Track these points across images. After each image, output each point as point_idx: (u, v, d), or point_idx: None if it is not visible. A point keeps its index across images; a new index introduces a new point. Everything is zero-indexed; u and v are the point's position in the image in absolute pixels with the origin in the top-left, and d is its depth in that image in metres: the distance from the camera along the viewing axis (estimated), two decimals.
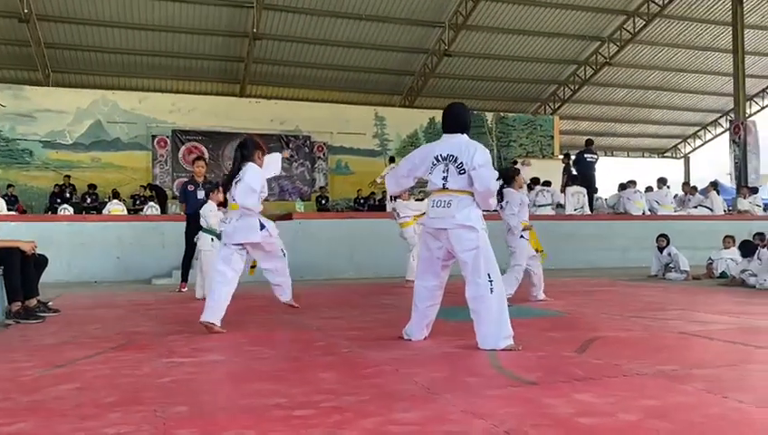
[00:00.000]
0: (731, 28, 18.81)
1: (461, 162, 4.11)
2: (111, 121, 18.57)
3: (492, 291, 4.05)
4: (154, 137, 18.84)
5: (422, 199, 10.60)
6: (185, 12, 17.82)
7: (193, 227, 8.46)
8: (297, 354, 4.09)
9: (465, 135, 4.29)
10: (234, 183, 5.04)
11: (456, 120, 4.33)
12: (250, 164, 5.07)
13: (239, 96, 20.85)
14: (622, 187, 15.18)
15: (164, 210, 15.19)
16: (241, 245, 5.04)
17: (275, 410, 2.73)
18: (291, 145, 19.67)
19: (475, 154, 4.09)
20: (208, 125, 19.16)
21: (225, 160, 19.26)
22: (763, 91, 26.89)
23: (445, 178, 4.16)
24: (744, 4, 18.50)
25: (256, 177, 5.00)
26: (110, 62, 19.28)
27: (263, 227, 5.01)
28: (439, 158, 4.21)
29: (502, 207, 6.88)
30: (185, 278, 8.72)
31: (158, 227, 11.30)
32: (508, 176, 7.07)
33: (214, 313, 4.88)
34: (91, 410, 2.79)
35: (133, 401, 2.93)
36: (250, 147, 5.19)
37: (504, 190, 6.88)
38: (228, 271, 4.99)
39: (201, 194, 8.42)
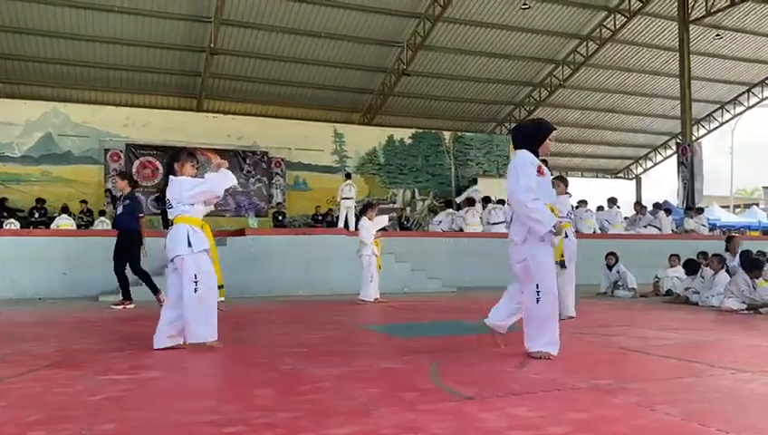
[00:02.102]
0: (678, 54, 19.51)
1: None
2: (63, 134, 18.17)
3: (538, 301, 4.16)
4: (107, 151, 18.49)
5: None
6: (140, 25, 17.63)
7: (119, 241, 8.41)
8: (236, 371, 4.03)
9: (518, 150, 4.41)
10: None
11: (514, 139, 4.55)
12: (172, 179, 4.84)
13: (196, 111, 20.67)
14: None
15: None
16: (173, 261, 4.75)
17: (205, 427, 2.69)
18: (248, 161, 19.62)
19: (509, 165, 4.34)
20: (164, 139, 18.88)
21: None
22: (710, 115, 27.89)
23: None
24: (691, 32, 19.22)
25: (172, 190, 4.77)
26: (62, 73, 18.91)
27: (190, 243, 4.65)
28: None
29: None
30: (126, 296, 8.48)
31: (108, 242, 11.02)
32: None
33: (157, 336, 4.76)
34: (13, 428, 2.69)
35: (60, 419, 2.84)
36: (170, 159, 4.95)
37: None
38: (171, 292, 4.78)
39: (120, 209, 8.55)
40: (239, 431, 2.62)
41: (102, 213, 15.50)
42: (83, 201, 16.89)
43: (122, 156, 18.56)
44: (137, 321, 6.92)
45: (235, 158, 19.79)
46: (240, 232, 11.37)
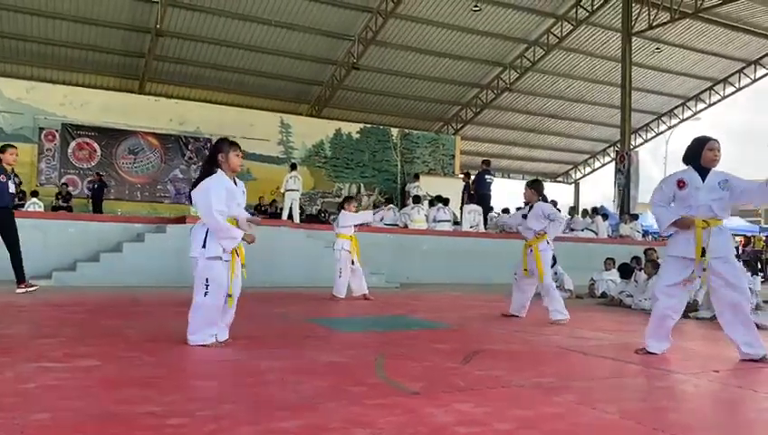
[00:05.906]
0: (621, 64, 20.12)
1: None
2: None
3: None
4: (42, 129, 17.71)
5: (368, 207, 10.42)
6: (83, 0, 16.93)
7: (4, 221, 7.72)
8: (178, 362, 3.93)
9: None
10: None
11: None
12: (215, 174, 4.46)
13: (137, 93, 20.01)
14: (505, 211, 16.24)
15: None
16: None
17: (147, 418, 2.60)
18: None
19: None
20: (102, 121, 18.25)
21: (119, 159, 18.41)
22: (647, 125, 28.93)
23: None
24: (633, 44, 19.87)
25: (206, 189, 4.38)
26: None
27: (205, 244, 4.43)
28: None
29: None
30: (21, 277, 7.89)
31: (40, 225, 10.58)
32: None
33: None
34: None
35: None
36: (211, 150, 4.57)
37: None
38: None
39: (13, 186, 7.81)
40: (182, 423, 2.55)
41: (35, 193, 14.87)
42: None
43: (58, 136, 17.83)
44: (69, 307, 6.67)
45: (177, 143, 19.33)
46: (180, 219, 11.08)
